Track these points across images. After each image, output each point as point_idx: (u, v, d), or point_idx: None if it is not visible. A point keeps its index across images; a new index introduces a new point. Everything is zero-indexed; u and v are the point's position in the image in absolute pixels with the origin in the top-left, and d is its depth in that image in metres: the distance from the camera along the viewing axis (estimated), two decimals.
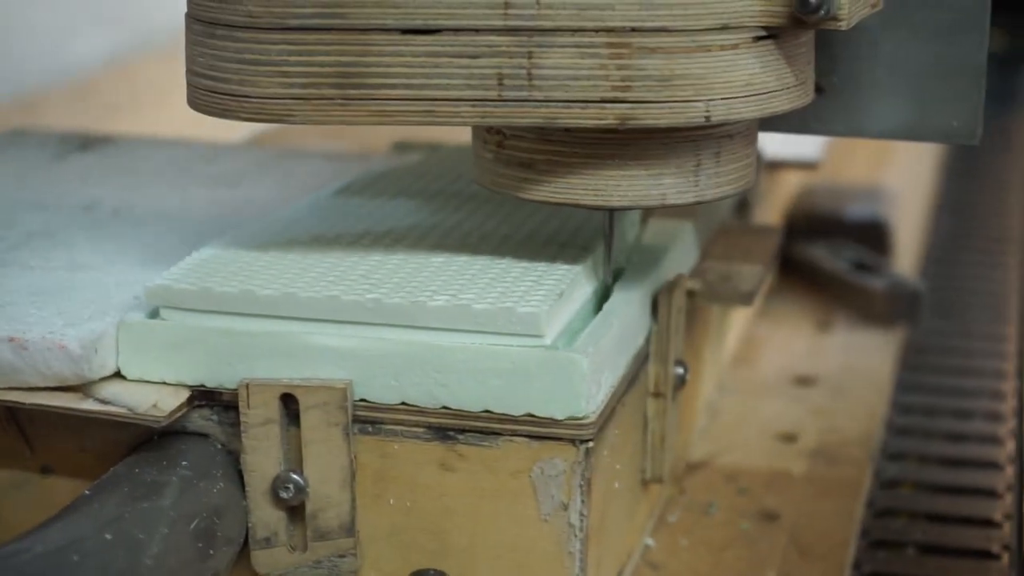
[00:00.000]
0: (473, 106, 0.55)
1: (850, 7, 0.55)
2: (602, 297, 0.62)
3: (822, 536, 0.67)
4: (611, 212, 0.61)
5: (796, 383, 0.84)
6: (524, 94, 0.54)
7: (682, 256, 0.69)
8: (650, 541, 0.66)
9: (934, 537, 0.69)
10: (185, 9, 0.58)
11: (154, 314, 0.59)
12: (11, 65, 1.32)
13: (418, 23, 0.54)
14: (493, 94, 0.55)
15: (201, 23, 0.57)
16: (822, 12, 0.54)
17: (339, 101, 0.55)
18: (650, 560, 0.65)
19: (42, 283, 0.63)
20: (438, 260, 0.61)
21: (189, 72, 0.58)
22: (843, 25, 0.55)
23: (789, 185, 1.02)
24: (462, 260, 0.62)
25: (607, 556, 0.60)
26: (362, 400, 0.57)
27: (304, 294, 0.58)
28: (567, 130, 0.57)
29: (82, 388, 0.58)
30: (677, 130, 0.56)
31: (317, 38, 0.55)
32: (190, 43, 0.58)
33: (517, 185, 0.58)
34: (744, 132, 0.59)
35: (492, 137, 0.59)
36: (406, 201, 0.69)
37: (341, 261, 0.61)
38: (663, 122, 0.54)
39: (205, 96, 0.57)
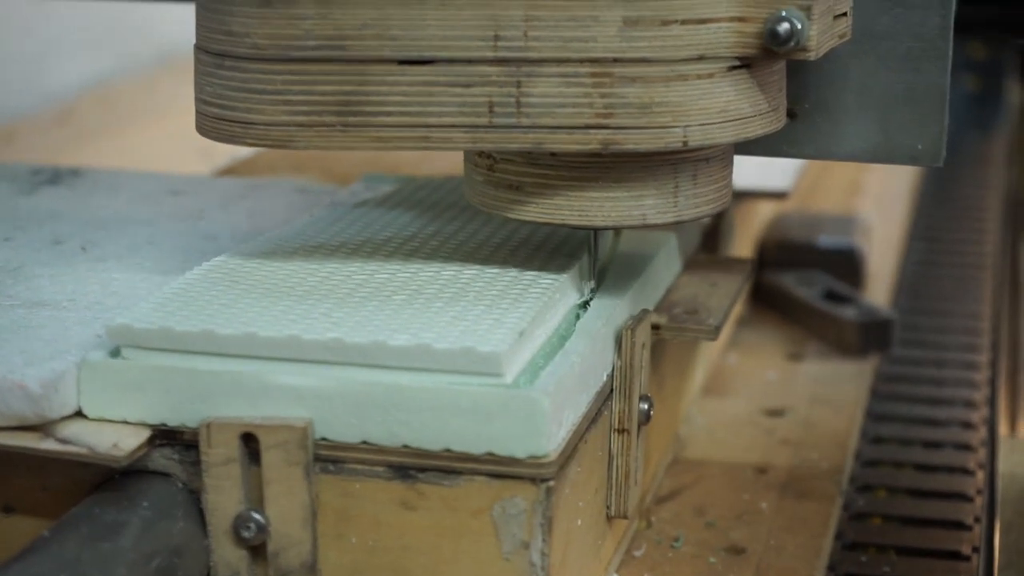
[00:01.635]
0: (465, 132, 0.58)
1: (818, 38, 0.58)
2: (584, 307, 0.64)
3: (789, 570, 0.67)
4: (595, 231, 0.64)
5: (766, 414, 0.84)
6: (513, 120, 0.58)
7: (662, 271, 0.70)
8: None
9: (902, 570, 0.69)
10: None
11: (116, 353, 0.59)
12: None
13: (414, 54, 0.57)
14: (484, 121, 0.58)
15: (209, 55, 0.60)
16: (792, 43, 0.57)
17: (339, 128, 0.59)
18: None
19: (2, 321, 0.62)
20: (401, 296, 0.61)
21: (198, 100, 0.61)
22: (812, 56, 0.58)
23: (761, 214, 1.02)
24: (426, 294, 0.62)
25: None
26: (323, 439, 0.57)
27: (264, 333, 0.58)
28: (553, 154, 0.60)
29: (42, 427, 0.58)
30: (657, 154, 0.60)
31: (319, 69, 0.58)
32: (199, 73, 0.61)
33: (506, 206, 0.62)
34: (720, 155, 0.62)
35: (483, 161, 0.62)
36: (375, 234, 0.69)
37: (304, 298, 0.61)
38: (643, 147, 0.58)
39: (213, 123, 0.61)
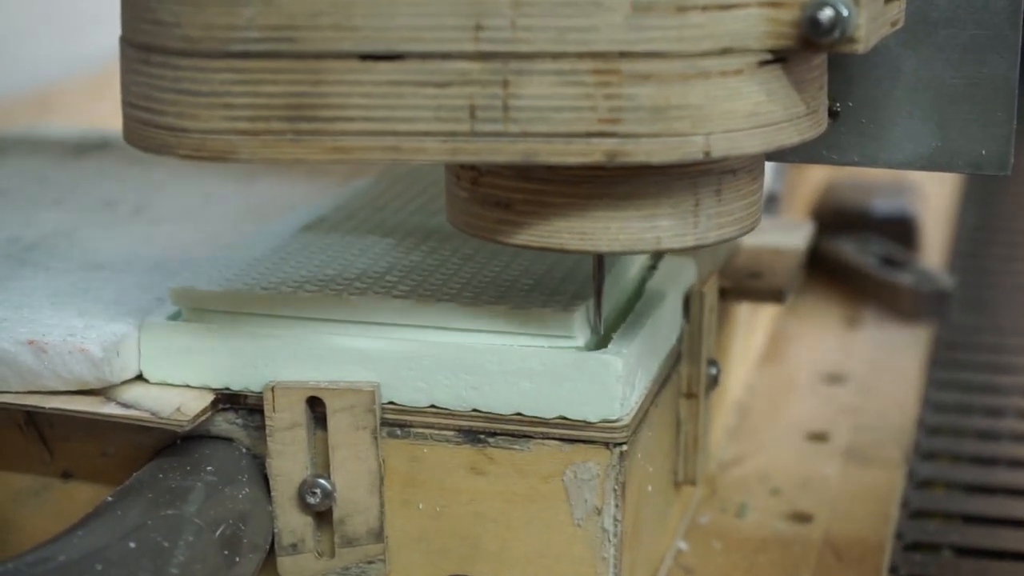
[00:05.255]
0: (442, 141, 0.49)
1: (868, 28, 0.48)
2: (594, 346, 0.56)
3: (858, 538, 0.66)
4: (600, 257, 0.56)
5: (826, 381, 0.83)
6: (499, 127, 0.48)
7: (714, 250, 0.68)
8: (683, 544, 0.65)
9: (970, 539, 0.68)
10: None
11: (177, 315, 0.58)
12: (27, 59, 1.31)
13: (379, 48, 0.48)
14: (465, 127, 0.48)
15: (135, 48, 0.51)
16: (836, 34, 0.48)
17: (290, 136, 0.49)
18: (683, 564, 0.63)
19: (61, 284, 0.61)
20: (473, 263, 0.60)
21: (124, 103, 0.52)
22: (860, 48, 0.48)
23: (813, 180, 1.00)
24: (498, 261, 0.60)
25: (640, 561, 0.59)
26: (390, 403, 0.56)
27: (331, 295, 0.56)
28: (549, 167, 0.51)
29: (103, 392, 0.57)
30: (673, 167, 0.51)
31: (264, 65, 0.49)
32: (124, 70, 0.52)
33: (494, 227, 0.53)
34: (748, 167, 0.53)
35: (466, 174, 0.53)
36: (437, 195, 0.68)
37: (371, 262, 0.60)
38: (657, 158, 0.48)
39: (141, 129, 0.52)
